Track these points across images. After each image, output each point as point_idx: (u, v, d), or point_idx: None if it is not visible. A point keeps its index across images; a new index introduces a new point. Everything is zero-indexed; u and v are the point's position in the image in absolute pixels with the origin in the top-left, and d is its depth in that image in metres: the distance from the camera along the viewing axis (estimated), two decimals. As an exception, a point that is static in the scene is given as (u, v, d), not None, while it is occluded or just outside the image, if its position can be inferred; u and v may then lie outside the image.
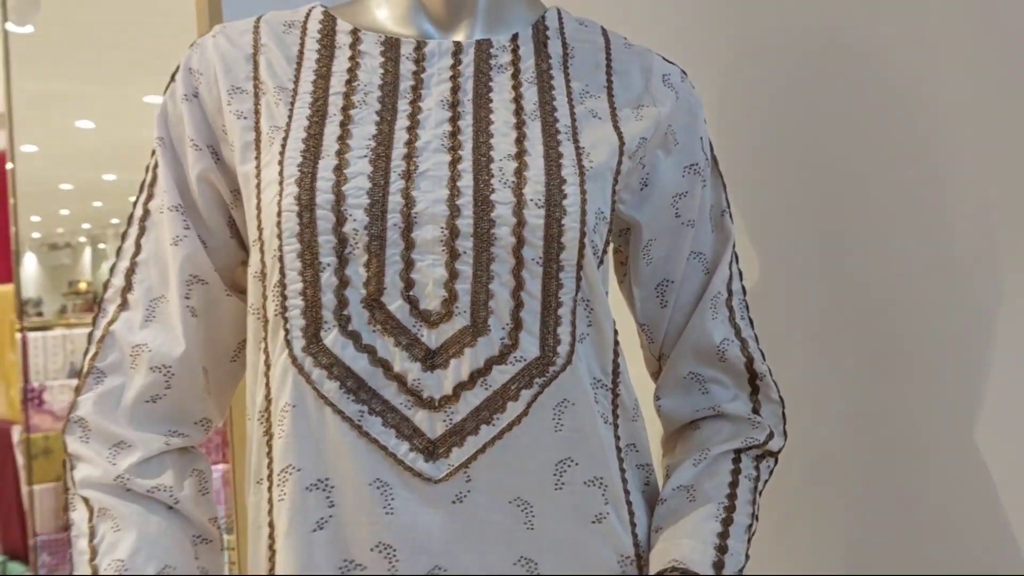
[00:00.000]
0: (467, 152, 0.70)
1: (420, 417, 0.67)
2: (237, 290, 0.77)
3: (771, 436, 0.78)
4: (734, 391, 0.80)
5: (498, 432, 0.67)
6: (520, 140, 0.72)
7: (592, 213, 0.70)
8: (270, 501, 0.68)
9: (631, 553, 0.72)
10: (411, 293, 0.67)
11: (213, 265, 0.75)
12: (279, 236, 0.67)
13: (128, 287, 0.74)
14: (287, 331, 0.67)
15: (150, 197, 0.76)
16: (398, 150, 0.70)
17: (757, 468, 0.78)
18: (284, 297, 0.67)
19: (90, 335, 0.75)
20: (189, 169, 0.75)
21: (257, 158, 0.71)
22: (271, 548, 0.68)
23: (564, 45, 0.79)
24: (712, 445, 0.77)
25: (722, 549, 0.71)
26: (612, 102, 0.77)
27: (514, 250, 0.68)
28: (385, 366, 0.67)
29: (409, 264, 0.67)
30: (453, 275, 0.67)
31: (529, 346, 0.68)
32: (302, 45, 0.76)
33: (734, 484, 0.75)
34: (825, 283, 0.96)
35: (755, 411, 0.79)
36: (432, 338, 0.67)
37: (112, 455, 0.71)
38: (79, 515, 0.71)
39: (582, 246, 0.69)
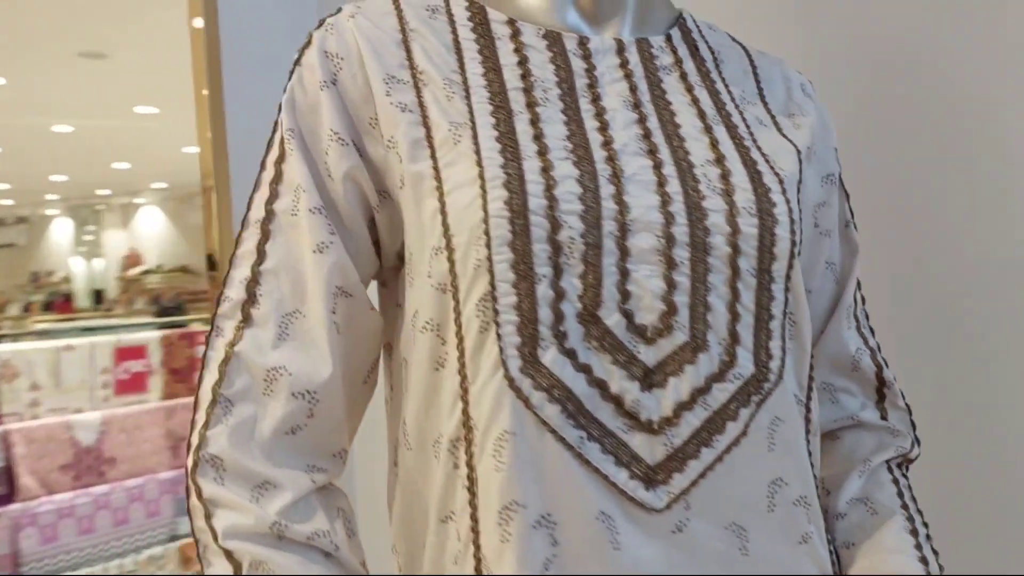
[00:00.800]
0: (666, 156, 0.66)
1: (638, 442, 0.61)
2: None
3: (913, 444, 0.79)
4: (862, 399, 0.80)
5: (718, 455, 0.62)
6: (714, 145, 0.68)
7: (797, 223, 0.68)
8: (476, 543, 0.60)
9: (831, 571, 0.68)
10: (627, 306, 0.62)
11: (359, 275, 0.67)
12: (487, 244, 0.60)
13: (251, 300, 0.65)
14: (501, 349, 0.59)
15: (273, 196, 0.67)
16: (597, 152, 0.65)
17: (906, 476, 0.79)
18: (496, 312, 0.60)
19: (205, 358, 0.66)
20: (332, 166, 0.66)
21: (432, 156, 0.64)
22: None
23: (710, 49, 0.77)
24: (869, 456, 0.77)
25: (924, 561, 0.71)
26: (768, 109, 0.76)
27: (730, 260, 0.64)
28: (601, 386, 0.60)
29: (624, 274, 0.62)
30: (671, 286, 0.62)
31: (745, 362, 0.64)
32: (455, 33, 0.69)
33: (901, 495, 0.75)
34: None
35: (883, 418, 0.80)
36: (649, 355, 0.61)
37: (257, 498, 0.61)
38: (219, 570, 0.60)
39: (792, 256, 0.66)
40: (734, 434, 0.63)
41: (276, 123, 0.69)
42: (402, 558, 0.69)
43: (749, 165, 0.68)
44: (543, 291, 0.60)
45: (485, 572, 0.60)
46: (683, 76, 0.73)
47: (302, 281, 0.65)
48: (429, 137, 0.64)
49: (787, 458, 0.66)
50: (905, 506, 0.75)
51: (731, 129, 0.71)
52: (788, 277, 0.66)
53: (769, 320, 0.65)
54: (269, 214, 0.67)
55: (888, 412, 0.80)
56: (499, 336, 0.59)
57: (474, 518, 0.60)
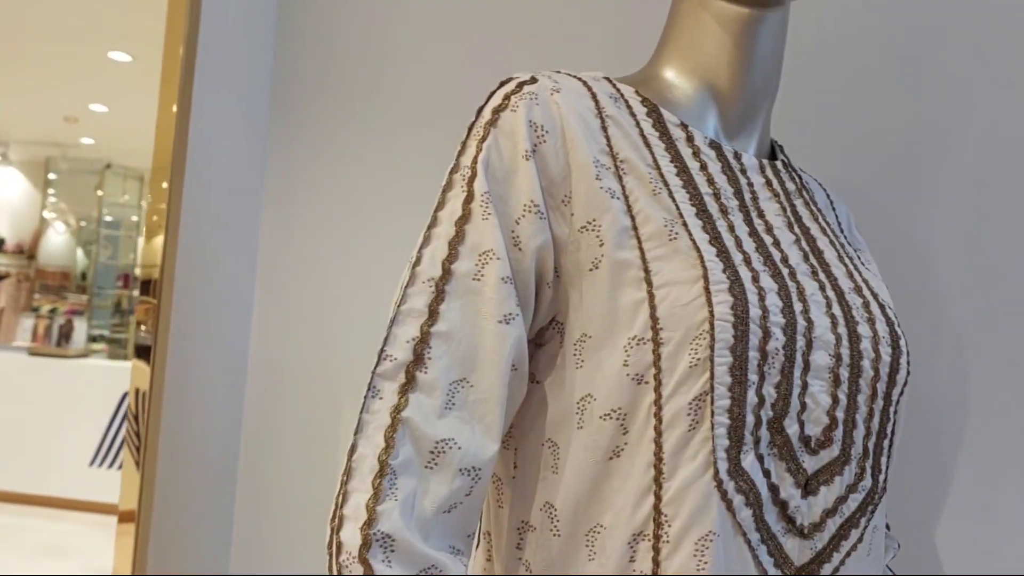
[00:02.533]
0: (823, 279, 0.71)
1: (791, 544, 0.64)
2: None
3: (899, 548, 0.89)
4: None
5: (842, 559, 0.67)
6: (851, 275, 0.74)
7: (909, 354, 0.73)
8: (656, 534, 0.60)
9: None
10: (803, 417, 0.65)
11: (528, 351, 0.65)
12: (710, 345, 0.60)
13: (419, 362, 0.61)
14: (714, 449, 0.60)
15: (454, 257, 0.63)
16: (782, 268, 0.68)
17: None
18: (712, 413, 0.60)
19: (361, 421, 0.60)
20: (525, 238, 0.64)
21: (639, 247, 0.63)
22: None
23: (799, 175, 0.82)
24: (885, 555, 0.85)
25: None
26: (847, 240, 0.82)
27: (872, 383, 0.68)
28: (774, 491, 0.63)
29: (805, 387, 0.65)
30: (835, 402, 0.66)
31: (868, 476, 0.69)
32: (639, 127, 0.70)
33: None
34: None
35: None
36: (810, 463, 0.65)
37: None
38: None
39: (906, 384, 0.72)
40: (854, 540, 0.68)
41: (451, 180, 0.66)
42: None
43: (875, 296, 0.73)
44: (751, 397, 0.62)
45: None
46: (806, 203, 0.78)
47: (476, 350, 0.62)
48: (635, 227, 0.64)
49: (875, 563, 0.72)
50: None
51: (851, 259, 0.77)
52: (899, 403, 0.72)
53: (884, 439, 0.71)
54: (447, 274, 0.63)
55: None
56: (713, 436, 0.60)
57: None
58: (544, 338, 0.68)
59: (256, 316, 1.34)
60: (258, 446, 1.34)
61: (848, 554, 0.67)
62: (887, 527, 0.89)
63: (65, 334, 5.57)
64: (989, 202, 1.01)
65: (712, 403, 0.60)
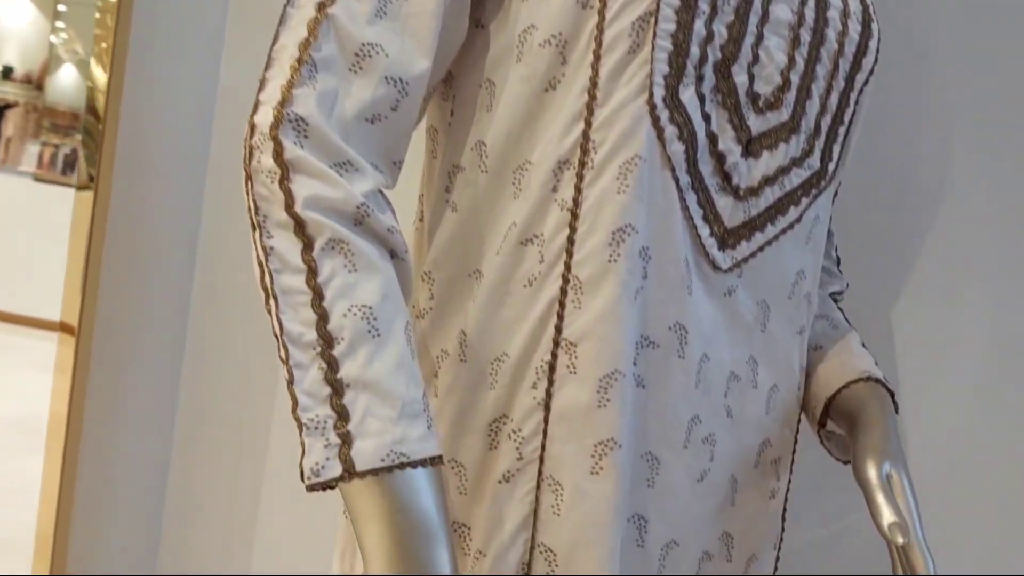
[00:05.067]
0: None
1: (723, 203, 0.62)
2: None
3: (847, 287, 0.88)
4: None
5: (776, 233, 0.66)
6: None
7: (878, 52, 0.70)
8: (568, 264, 0.59)
9: (804, 366, 0.74)
10: (753, 69, 0.62)
11: None
12: None
13: None
14: (651, 73, 0.57)
15: None
16: None
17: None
18: (654, 35, 0.57)
19: (285, 13, 0.57)
20: None
21: None
22: (559, 315, 0.59)
23: None
24: (823, 285, 0.84)
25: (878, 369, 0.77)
26: None
27: (834, 57, 0.65)
28: (712, 140, 0.61)
29: (760, 38, 0.62)
30: (791, 63, 0.63)
31: (816, 156, 0.67)
32: None
33: (847, 320, 0.83)
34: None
35: (837, 266, 0.88)
36: (756, 124, 0.63)
37: (341, 174, 0.55)
38: (285, 244, 0.53)
39: (871, 73, 0.69)
40: (791, 219, 0.66)
41: None
42: (436, 287, 0.65)
43: None
44: (698, 28, 0.58)
45: (574, 296, 0.58)
46: None
47: None
48: None
49: (813, 256, 0.70)
50: (849, 325, 0.82)
51: None
52: (862, 92, 0.69)
53: (839, 125, 0.68)
54: None
55: (831, 256, 0.87)
56: (652, 60, 0.57)
57: (571, 240, 0.59)
58: None
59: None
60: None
61: (784, 231, 0.66)
62: (838, 261, 0.87)
63: (70, 163, 5.55)
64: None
65: (656, 24, 0.57)
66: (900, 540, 0.59)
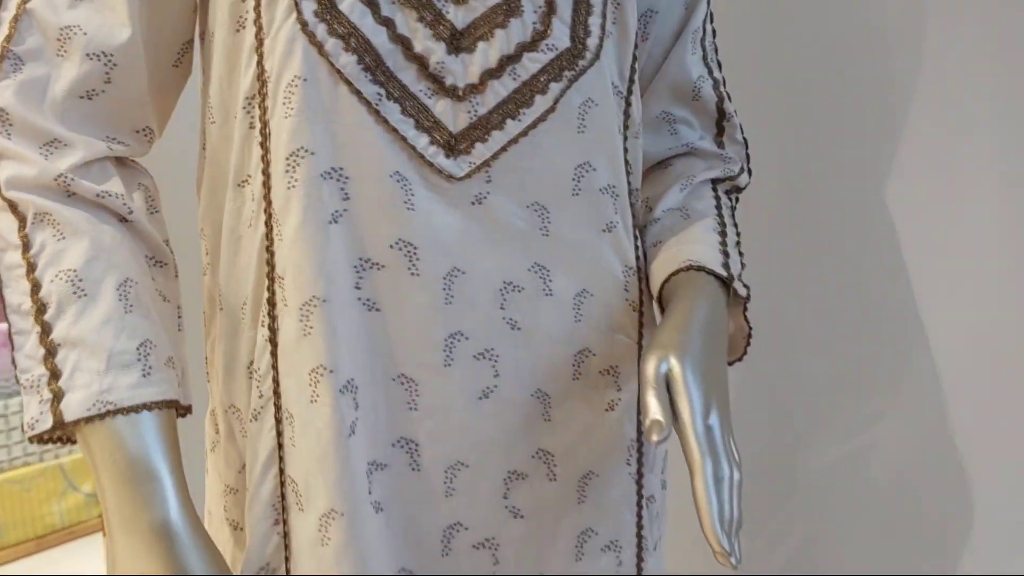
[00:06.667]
0: None
1: (442, 107, 0.59)
2: None
3: (741, 171, 0.78)
4: (700, 132, 0.78)
5: (524, 128, 0.61)
6: None
7: None
8: (268, 198, 0.59)
9: (634, 264, 0.68)
10: None
11: None
12: None
13: None
14: None
15: None
16: None
17: (730, 198, 0.78)
18: None
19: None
20: None
21: None
22: (268, 250, 0.60)
23: None
24: (694, 174, 0.75)
25: (725, 254, 0.70)
26: None
27: None
28: (405, 44, 0.58)
29: None
30: None
31: (560, 34, 0.61)
32: None
33: (718, 207, 0.74)
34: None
35: (719, 148, 0.78)
36: (459, 16, 0.59)
37: (45, 154, 0.59)
38: (4, 224, 0.58)
39: None
40: (542, 109, 0.61)
41: None
42: (208, 241, 0.67)
43: None
44: None
45: (275, 228, 0.58)
46: None
47: None
48: None
49: (598, 144, 0.64)
50: (720, 216, 0.73)
51: None
52: None
53: None
54: None
55: (725, 144, 0.78)
56: None
57: (266, 172, 0.59)
58: None
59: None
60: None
61: (535, 124, 0.61)
62: (745, 144, 0.79)
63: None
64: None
65: None
66: (654, 438, 0.54)
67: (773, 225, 0.97)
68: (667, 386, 0.57)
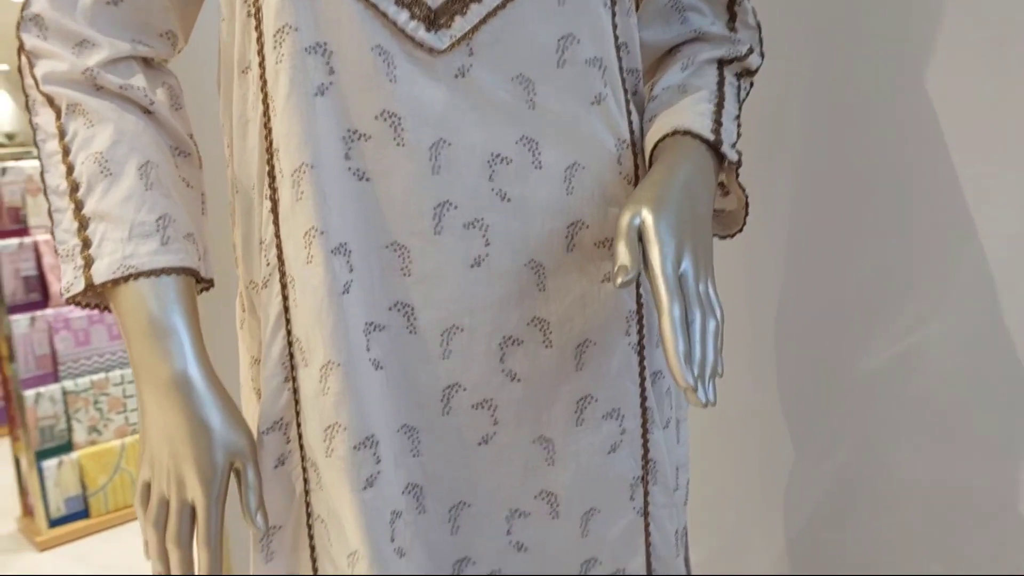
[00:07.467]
0: None
1: None
2: None
3: (751, 51, 0.76)
4: (711, 18, 0.77)
5: (500, 2, 0.62)
6: None
7: None
8: (264, 77, 0.63)
9: (627, 138, 0.68)
10: None
11: None
12: None
13: None
14: None
15: None
16: None
17: (738, 79, 0.77)
18: None
19: None
20: None
21: None
22: (267, 126, 0.63)
23: None
24: (698, 54, 0.75)
25: (718, 123, 0.69)
26: None
27: None
28: None
29: None
30: None
31: None
32: None
33: (721, 84, 0.74)
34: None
35: (733, 32, 0.77)
36: None
37: (77, 52, 0.66)
38: (44, 117, 0.67)
39: None
40: None
41: None
42: (227, 134, 0.71)
43: None
44: None
45: (271, 104, 0.62)
46: None
47: None
48: None
49: (579, 16, 0.64)
50: (721, 92, 0.73)
51: None
52: None
53: None
54: None
55: (738, 28, 0.77)
56: None
57: (260, 54, 0.63)
58: None
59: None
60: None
61: None
62: (758, 28, 0.78)
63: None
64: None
65: None
66: (618, 281, 0.56)
67: (813, 123, 0.95)
68: (640, 237, 0.59)
